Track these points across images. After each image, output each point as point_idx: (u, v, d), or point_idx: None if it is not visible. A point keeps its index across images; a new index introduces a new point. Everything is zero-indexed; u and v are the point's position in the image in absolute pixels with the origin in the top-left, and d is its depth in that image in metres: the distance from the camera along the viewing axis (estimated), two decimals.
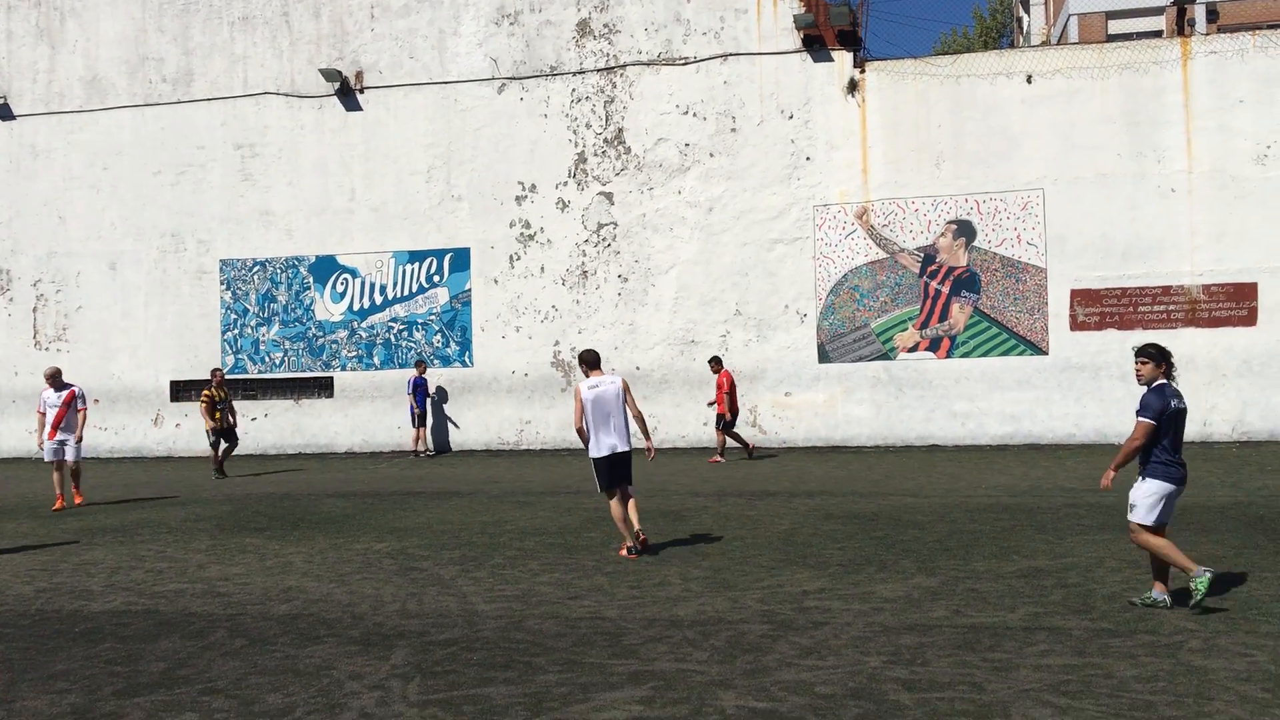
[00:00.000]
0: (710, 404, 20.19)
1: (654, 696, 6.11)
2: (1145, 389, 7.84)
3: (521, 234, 22.90)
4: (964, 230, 21.14)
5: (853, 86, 21.52)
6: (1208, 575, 7.46)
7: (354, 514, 13.90)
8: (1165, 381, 7.82)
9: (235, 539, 12.14)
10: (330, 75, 23.23)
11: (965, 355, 21.13)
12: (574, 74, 22.67)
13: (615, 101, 22.48)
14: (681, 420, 22.21)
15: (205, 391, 19.78)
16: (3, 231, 25.18)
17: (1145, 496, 7.72)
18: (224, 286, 24.21)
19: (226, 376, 23.50)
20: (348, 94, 23.57)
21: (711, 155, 22.09)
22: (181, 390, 24.37)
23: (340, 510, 14.33)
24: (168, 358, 24.43)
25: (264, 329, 24.05)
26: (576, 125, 22.65)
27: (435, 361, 23.24)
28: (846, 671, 6.49)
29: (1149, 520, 7.70)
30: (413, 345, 23.37)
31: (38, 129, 25.03)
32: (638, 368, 22.34)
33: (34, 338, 25.05)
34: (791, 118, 21.78)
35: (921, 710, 5.78)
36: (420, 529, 12.53)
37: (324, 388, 23.78)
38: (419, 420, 22.24)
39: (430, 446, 22.85)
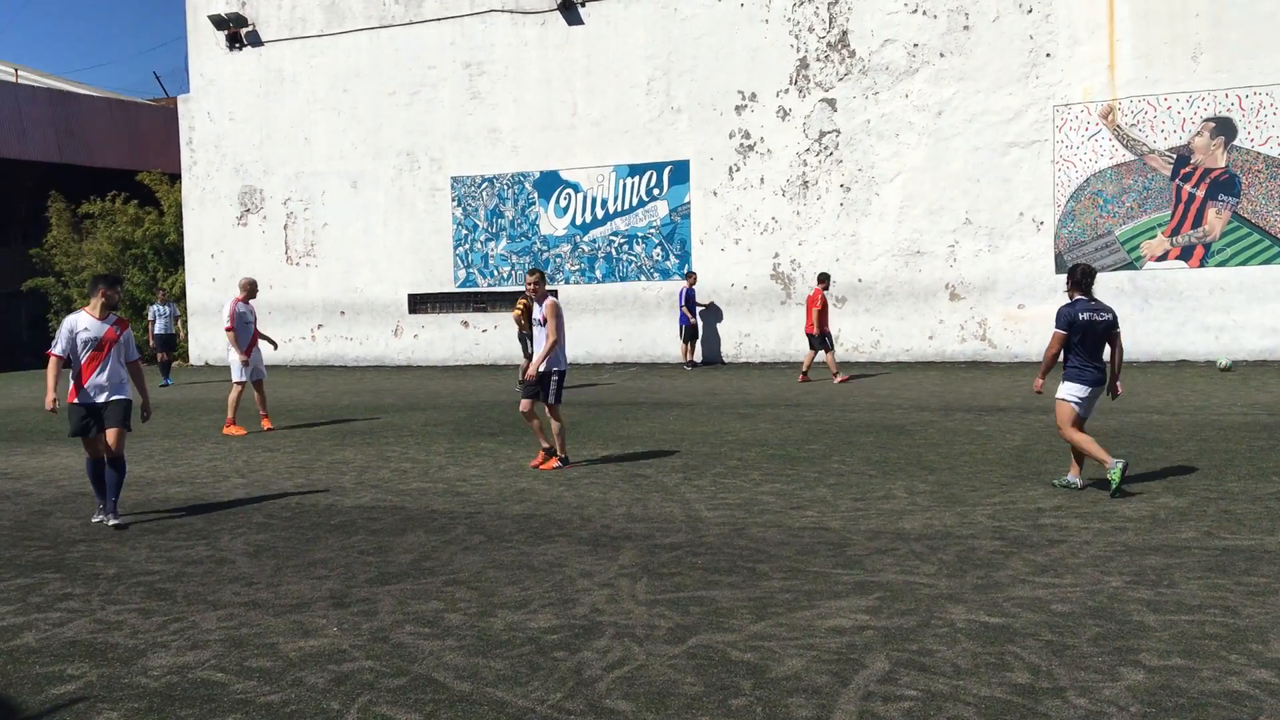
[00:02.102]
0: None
1: (880, 607, 6.03)
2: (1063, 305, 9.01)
3: (741, 144, 22.63)
4: (1223, 128, 19.45)
5: None
6: (1119, 465, 8.57)
7: (580, 422, 14.29)
8: (1082, 297, 8.89)
9: (471, 443, 12.72)
10: None
11: (1221, 264, 19.60)
12: None
13: (840, 3, 21.70)
14: (906, 334, 21.64)
15: (521, 301, 18.17)
16: (255, 153, 26.88)
17: (1066, 390, 8.95)
18: (455, 203, 25.11)
19: (460, 289, 24.54)
20: (569, 8, 23.72)
21: (942, 55, 21.07)
22: (418, 303, 25.58)
23: (567, 419, 14.77)
24: (405, 272, 25.65)
25: (492, 244, 24.86)
26: (798, 30, 22.04)
27: (655, 275, 23.45)
28: (1085, 590, 6.21)
29: (1069, 398, 8.87)
30: (633, 259, 23.63)
31: (283, 54, 26.43)
32: (859, 279, 21.85)
33: (285, 253, 26.78)
34: (1030, 12, 20.45)
35: (1168, 633, 5.47)
36: (643, 437, 12.77)
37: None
38: (689, 333, 22.19)
39: (698, 358, 22.75)
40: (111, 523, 8.69)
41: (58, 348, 8.75)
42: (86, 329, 8.72)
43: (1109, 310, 8.92)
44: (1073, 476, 9.07)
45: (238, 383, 14.33)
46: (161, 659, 5.54)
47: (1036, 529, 7.70)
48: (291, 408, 17.30)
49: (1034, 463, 10.27)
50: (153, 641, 5.82)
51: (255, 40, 26.71)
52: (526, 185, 24.47)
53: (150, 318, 23.53)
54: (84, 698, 5.05)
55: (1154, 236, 19.98)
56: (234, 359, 14.33)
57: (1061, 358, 8.96)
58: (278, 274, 26.87)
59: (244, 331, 14.26)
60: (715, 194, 22.91)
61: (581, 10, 23.70)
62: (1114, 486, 8.57)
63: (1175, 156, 19.76)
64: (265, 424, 14.52)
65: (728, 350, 23.10)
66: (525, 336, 18.26)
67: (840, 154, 21.91)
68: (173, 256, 28.85)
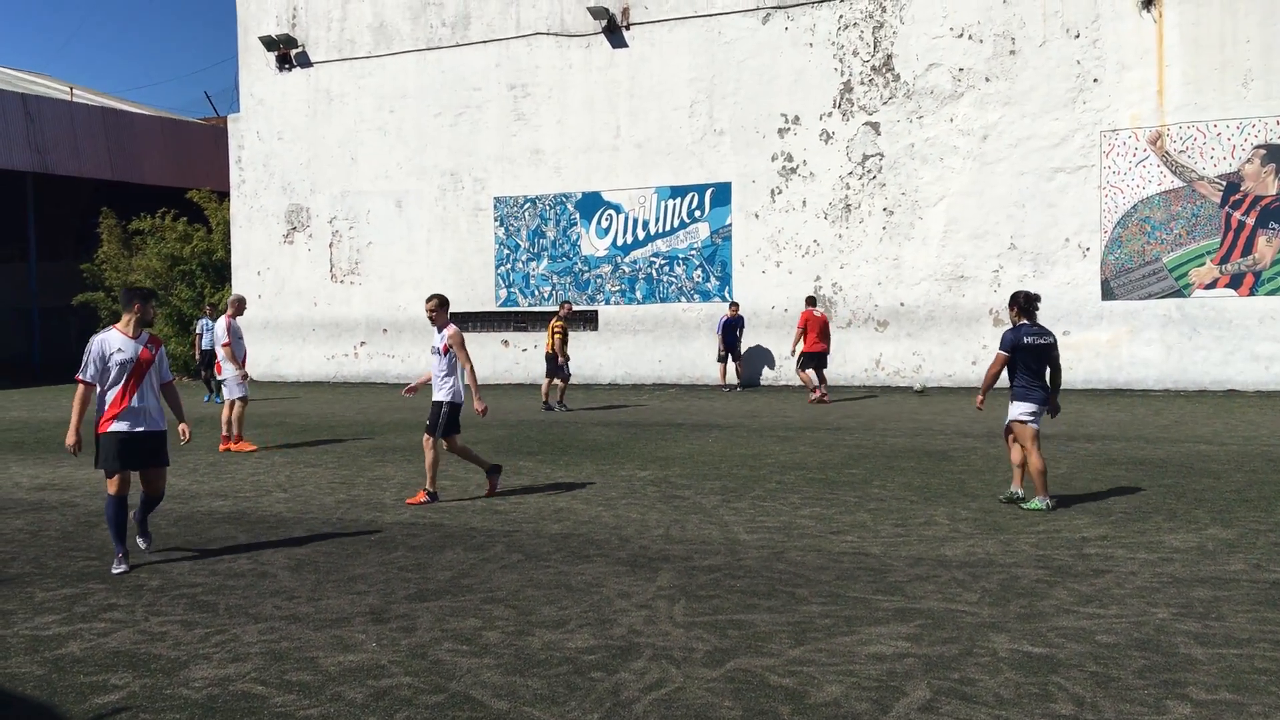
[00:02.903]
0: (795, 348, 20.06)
1: (921, 634, 5.96)
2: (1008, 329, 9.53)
3: (783, 167, 22.62)
4: (1274, 155, 19.19)
5: (1148, 1, 19.82)
6: (1015, 491, 9.52)
7: (618, 442, 14.29)
8: (1025, 322, 9.41)
9: (510, 462, 12.75)
10: (598, 13, 23.59)
11: (1272, 292, 19.29)
12: (841, 0, 22.01)
13: (884, 27, 21.69)
14: (949, 359, 21.48)
15: (558, 322, 18.99)
16: (303, 172, 27.23)
17: (1018, 413, 9.36)
18: (497, 223, 25.28)
19: (501, 308, 24.71)
20: (614, 31, 23.88)
21: (987, 80, 20.98)
22: (460, 322, 25.73)
23: (605, 438, 14.78)
24: (447, 290, 25.80)
25: (534, 264, 24.98)
26: (843, 53, 22.04)
27: (695, 296, 23.45)
28: (1131, 621, 6.11)
29: (1026, 418, 9.31)
30: (674, 280, 23.66)
31: (332, 75, 26.80)
32: (902, 304, 21.74)
33: (330, 271, 27.08)
34: (1078, 37, 20.33)
35: (1216, 666, 5.37)
36: (682, 459, 12.74)
37: (589, 321, 24.50)
38: (726, 356, 22.14)
39: (737, 381, 22.65)
40: (143, 545, 8.19)
41: (88, 372, 7.66)
42: (120, 349, 7.71)
43: (1050, 334, 9.53)
44: (1015, 487, 9.65)
45: (240, 399, 14.35)
46: (203, 671, 5.58)
47: (1081, 558, 7.59)
48: (333, 424, 17.44)
49: (1079, 491, 10.13)
50: (195, 653, 5.87)
51: (304, 61, 27.11)
52: (568, 206, 24.60)
53: (198, 331, 23.84)
54: (127, 708, 5.10)
55: (1203, 264, 19.71)
56: (231, 375, 14.41)
57: (1008, 380, 9.55)
58: (322, 291, 27.15)
59: (238, 348, 14.51)
60: (757, 216, 22.91)
61: (626, 33, 23.85)
62: (1020, 502, 9.40)
63: (1225, 183, 19.52)
64: (237, 445, 14.31)
65: (767, 373, 23.03)
66: (549, 357, 18.96)
67: (883, 177, 21.84)
68: (220, 273, 29.25)
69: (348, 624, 6.34)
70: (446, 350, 10.22)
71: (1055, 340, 9.53)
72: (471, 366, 10.35)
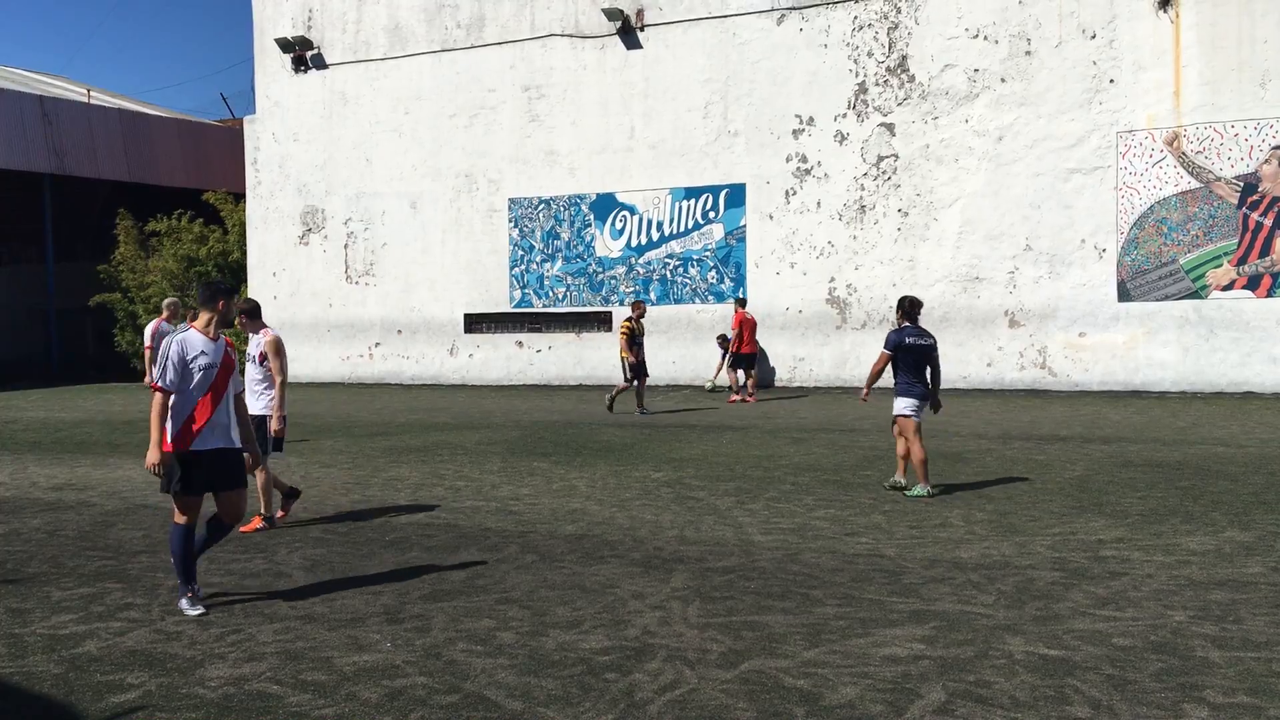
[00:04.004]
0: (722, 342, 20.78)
1: (936, 636, 5.94)
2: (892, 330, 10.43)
3: (798, 168, 22.59)
4: None
5: (1165, 1, 19.73)
6: (899, 481, 10.30)
7: (632, 444, 14.29)
8: (908, 324, 10.31)
9: (524, 462, 12.77)
10: (612, 14, 23.60)
11: None
12: (856, 0, 21.97)
13: (899, 28, 21.64)
14: (964, 360, 21.41)
15: (626, 323, 18.48)
16: (318, 174, 27.32)
17: (901, 408, 10.27)
18: (512, 224, 25.31)
19: (515, 309, 24.74)
20: (628, 32, 23.89)
21: (1003, 80, 20.92)
22: (474, 323, 25.78)
23: (619, 440, 14.78)
24: (462, 292, 25.88)
25: (548, 265, 25.01)
26: (857, 54, 22.01)
27: (710, 298, 23.43)
28: (1148, 624, 6.08)
29: (909, 412, 10.21)
30: (688, 281, 23.64)
31: (347, 77, 26.89)
32: None
33: (345, 272, 27.15)
34: (1094, 37, 20.25)
35: (1234, 670, 5.34)
36: (696, 460, 12.74)
37: (603, 322, 24.50)
38: (735, 361, 22.10)
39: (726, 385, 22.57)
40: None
41: (166, 378, 6.59)
42: (203, 353, 6.67)
43: (930, 336, 10.44)
44: (899, 476, 10.41)
45: None
46: (219, 670, 5.61)
47: (1097, 561, 7.56)
48: (350, 424, 17.49)
49: (1095, 494, 10.09)
50: (210, 652, 5.89)
51: (320, 63, 27.21)
52: (583, 207, 24.61)
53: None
54: (143, 706, 5.13)
55: (1220, 265, 19.61)
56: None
57: (892, 378, 10.50)
58: (337, 292, 27.23)
59: None
60: (771, 217, 22.88)
61: (640, 34, 23.85)
62: (908, 493, 10.08)
63: (1242, 184, 19.40)
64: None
65: (782, 375, 23.00)
66: (627, 363, 18.40)
67: (898, 178, 21.79)
68: (236, 274, 29.36)
69: (362, 624, 6.36)
70: (263, 359, 9.28)
71: (935, 342, 10.48)
72: (283, 379, 9.27)
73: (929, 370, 10.41)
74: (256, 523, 9.19)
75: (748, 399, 20.03)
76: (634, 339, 18.41)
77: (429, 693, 5.24)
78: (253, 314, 9.49)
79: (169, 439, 6.62)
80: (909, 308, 10.40)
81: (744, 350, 20.14)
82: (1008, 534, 8.47)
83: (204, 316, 6.84)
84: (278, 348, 9.29)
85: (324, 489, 11.22)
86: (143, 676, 5.53)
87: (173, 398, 6.63)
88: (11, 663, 5.79)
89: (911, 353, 10.28)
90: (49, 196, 31.29)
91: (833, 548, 8.12)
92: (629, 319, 18.71)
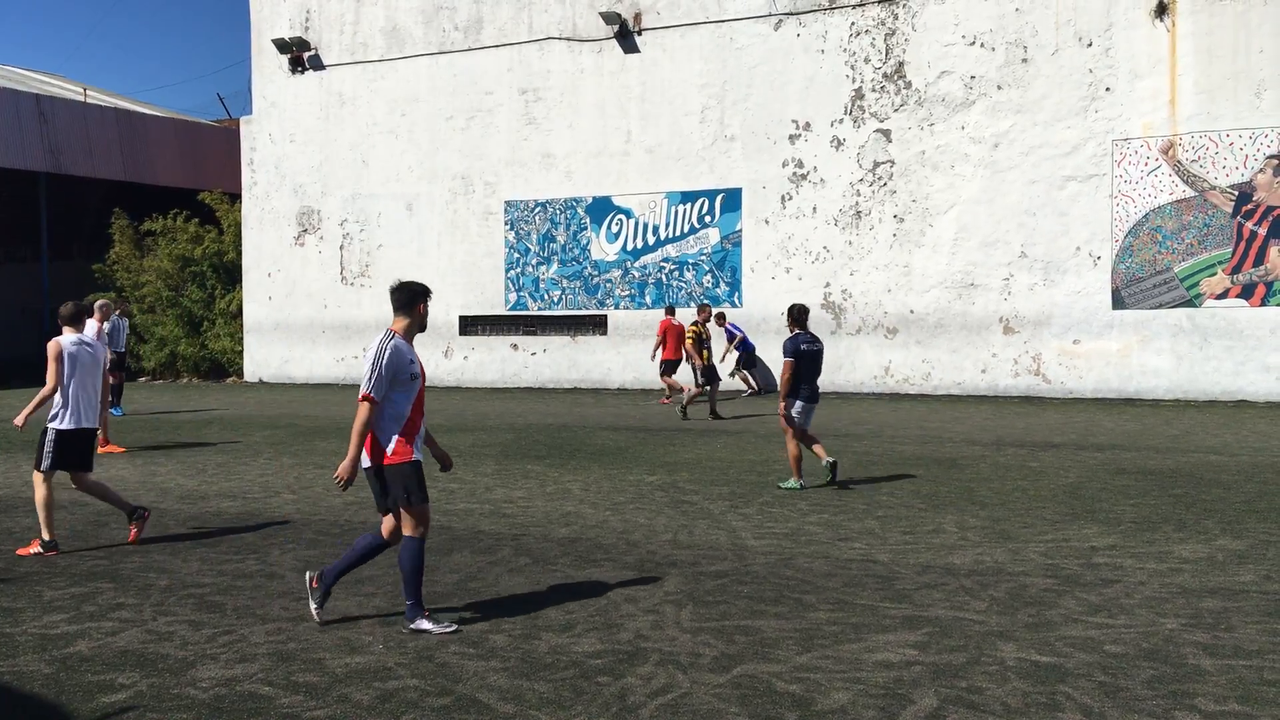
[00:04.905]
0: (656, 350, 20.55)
1: (929, 642, 5.95)
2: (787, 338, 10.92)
3: (794, 174, 22.62)
4: None
5: (1162, 10, 19.78)
6: (829, 461, 10.94)
7: (626, 447, 14.29)
8: (800, 331, 10.90)
9: (518, 465, 12.76)
10: (610, 18, 23.62)
11: None
12: (854, 6, 22.02)
13: (896, 34, 21.68)
14: (959, 367, 21.43)
15: (693, 326, 18.43)
16: (314, 175, 27.30)
17: (795, 411, 10.83)
18: (508, 227, 25.31)
19: (510, 312, 24.73)
20: (626, 36, 23.91)
21: (999, 88, 20.96)
22: (469, 325, 25.77)
23: (613, 443, 14.78)
24: (457, 294, 25.86)
25: (544, 268, 25.00)
26: (854, 60, 22.04)
27: (705, 302, 23.42)
28: (1140, 632, 6.09)
29: (795, 413, 10.83)
30: (683, 285, 23.65)
31: (344, 78, 26.87)
32: (911, 311, 21.70)
33: (341, 274, 27.13)
34: (1090, 45, 20.30)
35: (1225, 678, 5.35)
36: (690, 464, 12.73)
37: (598, 325, 24.50)
38: (741, 363, 22.27)
39: (757, 385, 22.68)
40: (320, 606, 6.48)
41: (379, 388, 6.18)
42: (412, 360, 6.32)
43: (820, 342, 11.13)
44: (795, 481, 10.90)
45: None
46: (210, 671, 5.60)
47: (1090, 568, 7.57)
48: (343, 426, 17.47)
49: (1088, 500, 10.10)
50: (202, 653, 5.88)
51: (317, 64, 27.19)
52: (579, 210, 24.61)
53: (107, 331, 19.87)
54: (134, 707, 5.12)
55: (1214, 274, 19.65)
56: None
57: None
58: (332, 294, 27.20)
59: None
60: (767, 222, 22.90)
61: (638, 38, 23.87)
62: (826, 478, 10.90)
63: (1237, 193, 19.45)
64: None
65: (776, 378, 22.99)
66: (696, 367, 18.68)
67: (894, 184, 21.82)
68: (231, 274, 29.32)
69: (355, 626, 6.35)
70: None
71: (823, 347, 11.22)
72: (51, 386, 8.64)
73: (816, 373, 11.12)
74: (35, 545, 8.43)
75: (665, 400, 20.63)
76: (701, 342, 18.59)
77: (421, 695, 5.23)
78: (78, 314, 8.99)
79: (387, 452, 6.23)
80: (799, 315, 11.01)
81: (667, 357, 20.09)
82: (1001, 540, 8.48)
83: (404, 321, 6.40)
84: (52, 352, 8.62)
85: (318, 490, 11.21)
86: (134, 677, 5.52)
87: (385, 408, 6.23)
88: (2, 662, 5.77)
89: (807, 357, 10.86)
90: (45, 195, 31.21)
91: (826, 553, 8.13)
92: (696, 322, 18.84)
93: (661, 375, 20.61)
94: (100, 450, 13.97)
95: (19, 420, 8.79)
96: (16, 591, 7.20)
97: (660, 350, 20.10)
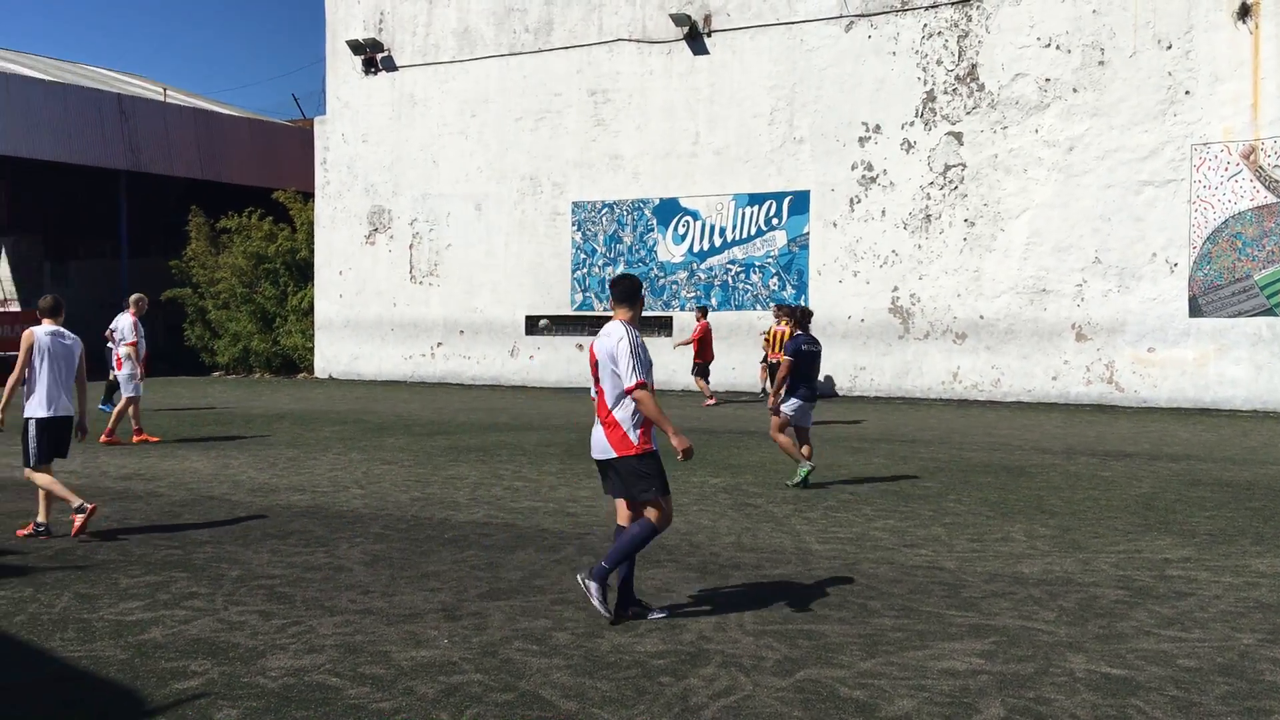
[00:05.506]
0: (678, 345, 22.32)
1: (996, 651, 5.86)
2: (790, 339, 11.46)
3: (863, 176, 22.43)
4: None
5: (1244, 12, 19.30)
6: (806, 467, 11.02)
7: None
8: (801, 332, 11.45)
9: (582, 465, 12.81)
10: (680, 19, 23.63)
11: None
12: (926, 8, 21.78)
13: (970, 36, 21.41)
14: (1029, 373, 21.10)
15: (779, 328, 17.67)
16: (385, 174, 27.67)
17: (791, 408, 11.15)
18: (575, 228, 25.43)
19: (576, 313, 24.84)
20: (695, 38, 23.90)
21: (1075, 91, 20.59)
22: (535, 325, 25.93)
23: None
24: (524, 294, 26.05)
25: (610, 269, 25.08)
26: (926, 62, 21.80)
27: (771, 304, 23.31)
28: (1214, 646, 5.94)
29: (790, 411, 11.16)
30: (749, 287, 23.58)
31: (416, 79, 27.21)
32: (981, 316, 21.41)
33: (410, 272, 27.46)
34: (1169, 48, 19.86)
35: None
36: (754, 467, 12.69)
37: (663, 326, 24.51)
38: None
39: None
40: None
41: (649, 374, 6.37)
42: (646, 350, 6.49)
43: (819, 344, 11.68)
44: (804, 465, 11.12)
45: (135, 397, 14.89)
46: (279, 661, 5.70)
47: (1163, 580, 7.41)
48: (410, 422, 17.69)
49: (1162, 511, 9.89)
50: (271, 643, 5.99)
51: (390, 65, 27.56)
52: (646, 212, 24.66)
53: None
54: (205, 694, 5.22)
55: None
56: (131, 374, 14.86)
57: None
58: (401, 292, 27.55)
59: (140, 347, 15.13)
60: (835, 225, 22.74)
61: (707, 40, 23.85)
62: (798, 479, 11.00)
63: None
64: (146, 438, 14.99)
65: (842, 384, 22.84)
66: (770, 365, 18.97)
67: (965, 188, 21.55)
68: (303, 272, 29.83)
69: (420, 620, 6.43)
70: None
71: (821, 348, 11.72)
72: (15, 377, 8.82)
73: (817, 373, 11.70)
74: (30, 527, 8.74)
75: (709, 403, 20.98)
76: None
77: (484, 690, 5.28)
78: (50, 310, 9.11)
79: (633, 443, 6.37)
80: (802, 316, 11.71)
81: (706, 359, 21.27)
82: (1071, 550, 8.33)
83: (630, 312, 6.53)
84: (21, 343, 8.80)
85: (385, 485, 11.36)
86: (206, 664, 5.64)
87: (626, 397, 6.34)
88: (80, 647, 5.93)
89: (807, 358, 11.28)
90: (124, 193, 32.03)
91: (891, 558, 8.05)
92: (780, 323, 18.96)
93: (695, 377, 21.35)
94: (102, 440, 14.46)
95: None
96: (94, 578, 7.40)
97: (691, 348, 21.30)
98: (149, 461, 13.11)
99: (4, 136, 28.30)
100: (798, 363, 11.16)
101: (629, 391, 6.29)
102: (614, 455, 6.42)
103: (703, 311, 21.54)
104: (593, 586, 6.32)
